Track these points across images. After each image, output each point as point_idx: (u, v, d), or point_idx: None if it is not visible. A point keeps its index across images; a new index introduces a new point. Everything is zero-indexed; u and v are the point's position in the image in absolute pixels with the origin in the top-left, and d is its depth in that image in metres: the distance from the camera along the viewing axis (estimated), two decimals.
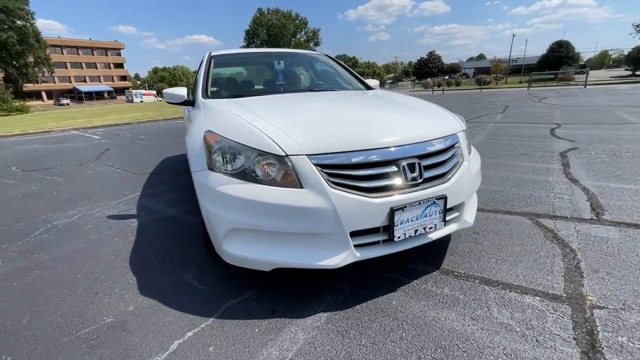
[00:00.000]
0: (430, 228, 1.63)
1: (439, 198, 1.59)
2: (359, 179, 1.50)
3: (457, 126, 1.91)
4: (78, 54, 65.79)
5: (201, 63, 3.11)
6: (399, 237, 1.55)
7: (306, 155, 1.49)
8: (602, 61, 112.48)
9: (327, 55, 3.62)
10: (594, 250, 2.02)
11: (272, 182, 1.52)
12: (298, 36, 59.58)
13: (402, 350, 1.36)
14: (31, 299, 1.84)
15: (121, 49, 74.15)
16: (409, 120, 1.87)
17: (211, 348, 1.42)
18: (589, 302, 1.57)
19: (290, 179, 1.50)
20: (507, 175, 3.64)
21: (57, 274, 2.09)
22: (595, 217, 2.45)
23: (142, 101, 55.29)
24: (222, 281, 1.91)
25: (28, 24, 36.88)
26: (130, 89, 65.37)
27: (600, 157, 4.08)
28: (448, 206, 1.66)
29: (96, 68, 68.87)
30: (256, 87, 2.86)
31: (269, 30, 55.22)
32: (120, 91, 68.08)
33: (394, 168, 1.54)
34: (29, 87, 44.36)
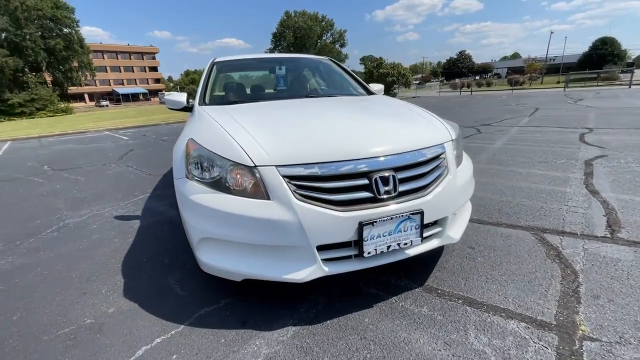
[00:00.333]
0: (406, 244, 1.55)
1: (414, 213, 1.51)
2: (328, 192, 1.46)
3: (444, 136, 1.81)
4: (117, 59, 70.00)
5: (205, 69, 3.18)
6: (369, 253, 1.48)
7: (275, 166, 1.47)
8: None
9: (331, 60, 3.59)
10: (600, 272, 1.84)
11: (242, 193, 1.51)
12: (324, 38, 59.75)
13: None
14: (26, 296, 1.96)
15: (156, 53, 78.10)
16: (391, 130, 1.79)
17: (174, 356, 1.43)
18: (580, 332, 1.43)
19: (259, 190, 1.48)
20: (520, 184, 3.42)
21: (55, 273, 2.21)
22: (609, 235, 2.24)
23: None
24: (202, 287, 1.94)
25: (73, 31, 39.72)
26: (163, 91, 68.56)
27: (630, 167, 3.73)
28: (427, 221, 1.58)
29: (133, 71, 72.93)
30: (254, 93, 2.87)
31: (295, 32, 55.82)
32: (154, 93, 71.54)
33: (366, 181, 1.48)
34: (73, 89, 47.64)
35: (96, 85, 64.40)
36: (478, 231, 2.44)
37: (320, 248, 1.50)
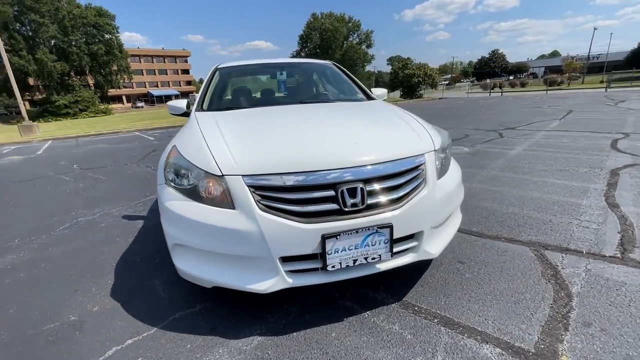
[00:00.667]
0: (374, 259, 1.50)
1: (382, 227, 1.45)
2: (292, 203, 1.44)
3: (426, 146, 1.73)
4: (152, 62, 73.79)
5: None
6: (333, 267, 1.45)
7: (241, 175, 1.47)
8: None
9: (334, 64, 3.55)
10: (598, 297, 1.68)
11: (212, 202, 1.53)
12: (350, 39, 59.48)
13: None
14: (26, 291, 2.10)
15: (188, 56, 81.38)
16: (369, 140, 1.72)
17: (140, 359, 1.47)
18: None
19: (226, 199, 1.49)
20: (532, 194, 3.21)
21: (57, 269, 2.36)
22: (618, 255, 2.04)
23: None
24: (184, 291, 1.98)
25: (114, 37, 42.37)
26: (193, 93, 71.31)
27: None
28: (399, 235, 1.52)
29: (166, 74, 76.51)
30: (250, 99, 2.90)
31: (322, 34, 56.01)
32: (185, 95, 74.62)
33: (332, 193, 1.44)
34: (112, 92, 50.77)
35: (133, 88, 68.15)
36: (473, 245, 2.31)
37: (287, 259, 1.49)
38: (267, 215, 1.41)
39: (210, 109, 2.61)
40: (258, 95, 2.95)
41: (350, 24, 59.17)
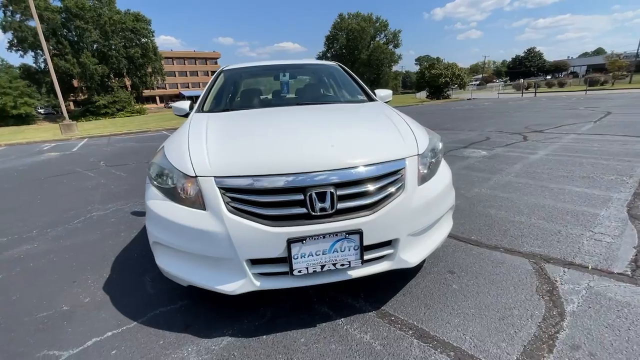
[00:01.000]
0: (343, 265, 1.46)
1: (351, 232, 1.41)
2: (260, 206, 1.43)
3: (409, 151, 1.65)
4: (184, 64, 77.01)
5: None
6: (299, 271, 1.43)
7: (213, 177, 1.49)
8: None
9: (339, 65, 3.52)
10: (595, 318, 1.53)
11: (187, 202, 1.55)
12: (377, 39, 58.81)
13: None
14: (31, 280, 2.25)
15: (218, 58, 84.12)
16: (347, 143, 1.67)
17: (114, 352, 1.53)
18: None
19: (199, 200, 1.51)
20: (545, 202, 3.00)
21: (62, 260, 2.50)
22: (629, 272, 1.86)
23: None
24: (170, 287, 2.03)
25: (149, 40, 44.69)
26: None
27: None
28: (371, 242, 1.47)
29: (197, 75, 79.48)
30: (248, 101, 2.93)
31: (348, 34, 55.81)
32: None
33: (300, 196, 1.42)
34: (146, 92, 53.54)
35: (166, 89, 71.45)
36: (468, 254, 2.20)
37: (257, 262, 1.48)
38: (234, 217, 1.42)
39: (208, 110, 2.67)
40: (258, 96, 2.97)
41: (378, 23, 58.53)
